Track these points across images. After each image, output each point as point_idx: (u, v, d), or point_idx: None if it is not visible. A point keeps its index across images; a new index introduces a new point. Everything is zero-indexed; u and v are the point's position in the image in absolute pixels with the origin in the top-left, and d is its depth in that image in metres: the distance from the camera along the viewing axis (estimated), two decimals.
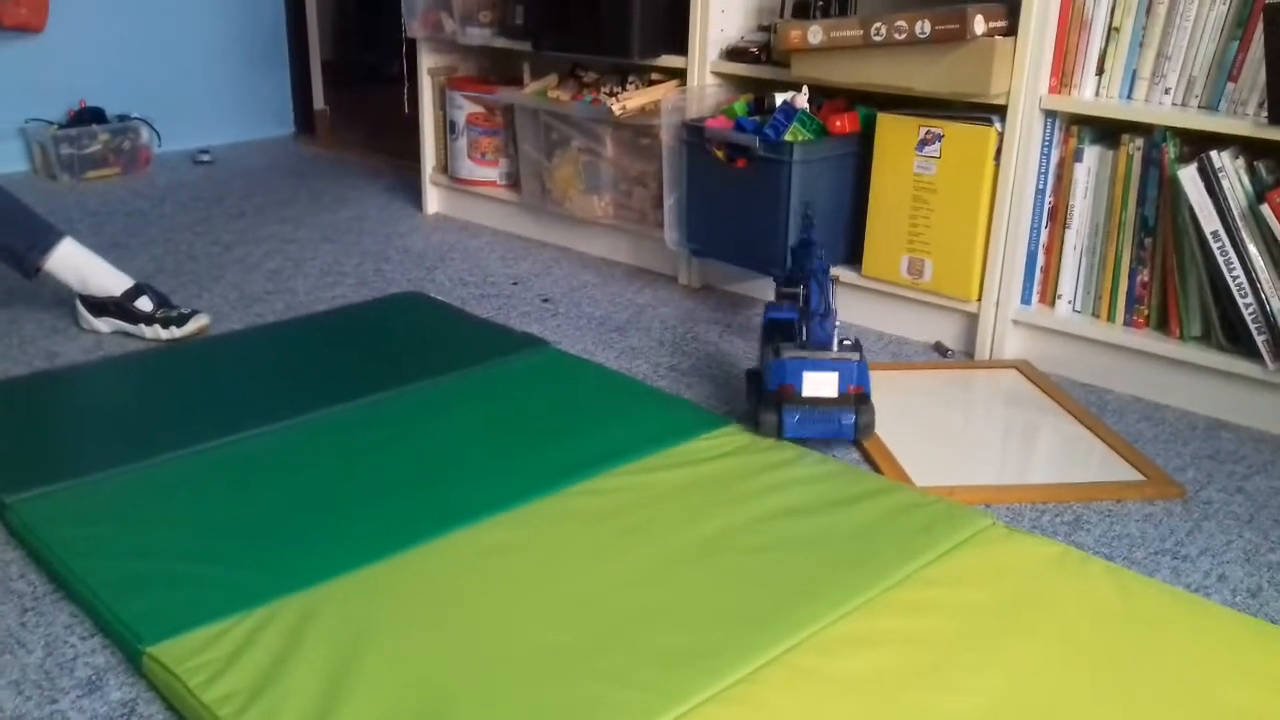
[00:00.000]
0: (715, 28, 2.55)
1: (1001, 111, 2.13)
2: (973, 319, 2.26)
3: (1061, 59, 2.08)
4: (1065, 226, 2.14)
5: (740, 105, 2.49)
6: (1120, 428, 1.96)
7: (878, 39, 2.18)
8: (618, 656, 1.26)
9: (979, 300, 2.24)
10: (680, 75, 2.62)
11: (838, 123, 2.34)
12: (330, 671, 1.23)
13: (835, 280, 1.91)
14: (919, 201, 2.26)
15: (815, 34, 2.26)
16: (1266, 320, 1.91)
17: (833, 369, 1.81)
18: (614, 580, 1.42)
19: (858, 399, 1.82)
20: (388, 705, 1.18)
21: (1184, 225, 1.97)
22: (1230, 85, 1.93)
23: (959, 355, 2.29)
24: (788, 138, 2.30)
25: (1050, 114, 2.11)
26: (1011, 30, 2.09)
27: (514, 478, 1.67)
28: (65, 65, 3.67)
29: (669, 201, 2.57)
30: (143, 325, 2.26)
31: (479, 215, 3.19)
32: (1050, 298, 2.20)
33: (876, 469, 1.78)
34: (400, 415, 1.89)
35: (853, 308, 2.43)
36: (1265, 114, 1.88)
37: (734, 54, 2.54)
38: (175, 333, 2.26)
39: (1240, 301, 1.92)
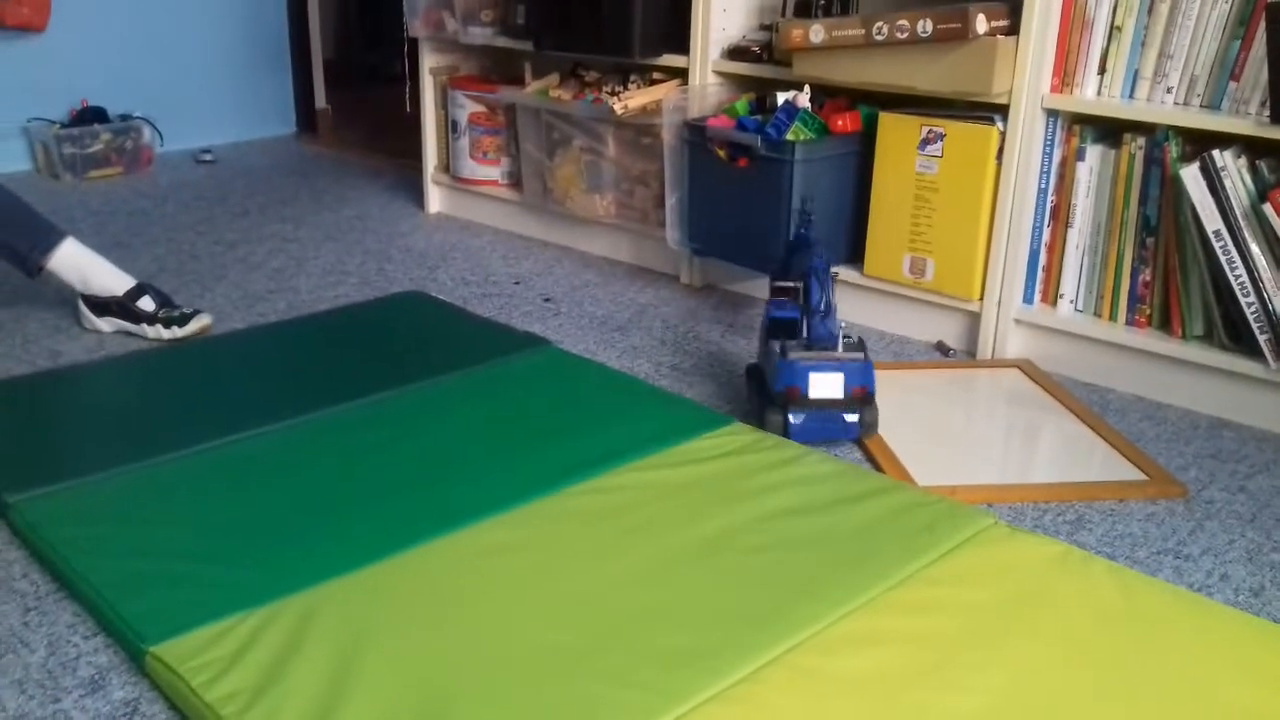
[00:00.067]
0: (717, 27, 2.55)
1: (1003, 111, 2.13)
2: (975, 318, 2.26)
3: (1063, 58, 2.08)
4: (1067, 226, 2.14)
5: (742, 104, 2.49)
6: (1122, 427, 1.96)
7: (879, 38, 2.18)
8: (619, 656, 1.26)
9: (981, 300, 2.24)
10: (682, 74, 2.62)
11: (839, 122, 2.34)
12: (332, 671, 1.23)
13: (834, 277, 1.91)
14: (921, 201, 2.26)
15: (817, 33, 2.26)
16: (1269, 319, 1.91)
17: (838, 370, 1.82)
18: (615, 580, 1.42)
19: (862, 399, 1.83)
20: (389, 704, 1.18)
21: (1186, 224, 1.97)
22: (1232, 84, 1.93)
23: (961, 355, 2.29)
24: (789, 137, 2.30)
25: (1052, 113, 2.11)
26: (1013, 29, 2.09)
27: (515, 477, 1.67)
28: (67, 65, 3.67)
29: (671, 201, 2.57)
30: (145, 325, 2.26)
31: (481, 214, 3.20)
32: (1052, 297, 2.20)
33: (878, 468, 1.78)
34: (402, 415, 1.89)
35: (854, 307, 2.43)
36: (1267, 113, 1.88)
37: (735, 53, 2.54)
38: (177, 332, 2.26)
39: (1242, 301, 1.92)
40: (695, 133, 2.45)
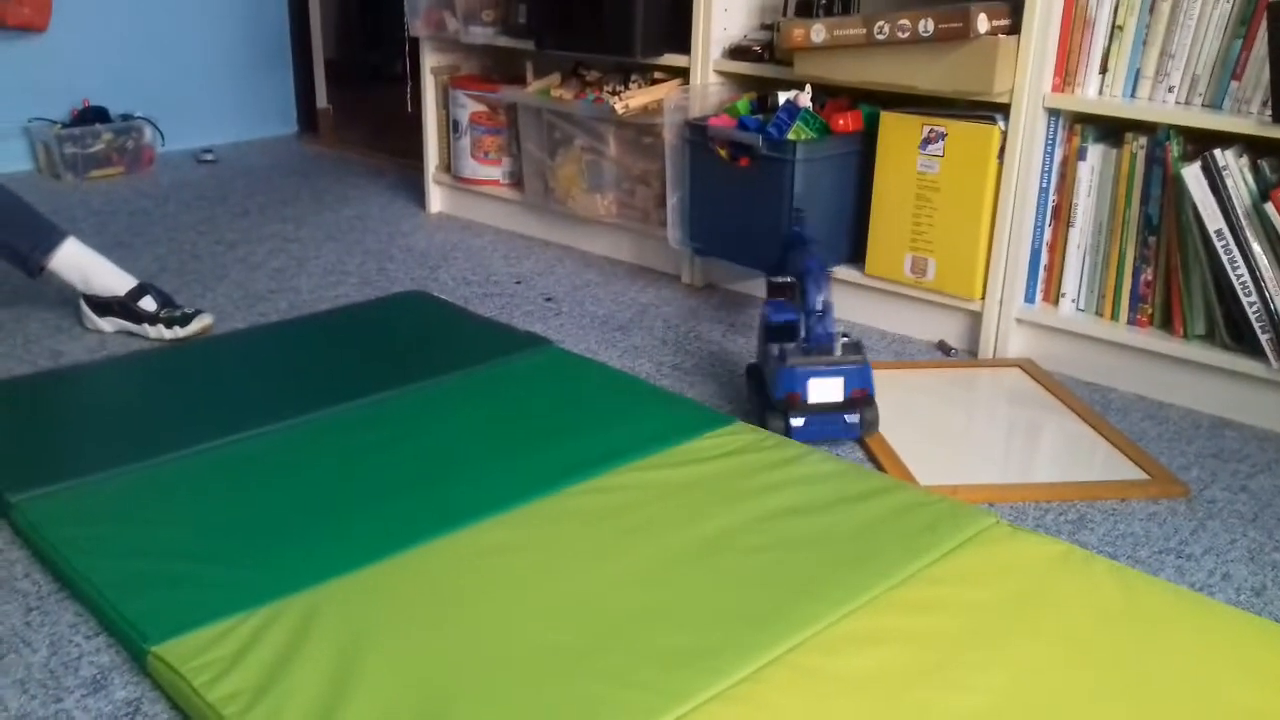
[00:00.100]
0: (718, 26, 2.55)
1: (1005, 110, 2.13)
2: (976, 318, 2.26)
3: (1065, 57, 2.08)
4: (1069, 225, 2.14)
5: (743, 104, 2.49)
6: (1124, 426, 1.96)
7: (881, 37, 2.18)
8: (620, 656, 1.26)
9: (982, 299, 2.24)
10: (683, 74, 2.62)
11: (841, 121, 2.34)
12: (333, 670, 1.23)
13: (830, 277, 1.92)
14: (922, 200, 2.26)
15: (818, 32, 2.26)
16: (1270, 319, 1.91)
17: (837, 374, 1.83)
18: (616, 580, 1.42)
19: (862, 400, 1.83)
20: (390, 704, 1.18)
21: (1188, 224, 1.97)
22: (1234, 84, 1.93)
23: (962, 354, 2.29)
24: (791, 136, 2.30)
25: (1054, 112, 2.11)
26: (1015, 29, 2.09)
27: (516, 477, 1.67)
28: (69, 65, 3.68)
29: (672, 200, 2.57)
30: (146, 325, 2.26)
31: (482, 214, 3.20)
32: (1054, 296, 2.20)
33: (880, 468, 1.78)
34: (403, 414, 1.89)
35: (856, 306, 2.43)
36: (1269, 112, 1.88)
37: (737, 53, 2.54)
38: (179, 332, 2.26)
39: (1244, 300, 1.92)
40: (696, 132, 2.45)
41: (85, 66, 3.71)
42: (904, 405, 2.00)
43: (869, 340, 2.34)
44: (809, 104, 2.36)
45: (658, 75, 2.70)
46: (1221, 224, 1.92)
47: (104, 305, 2.28)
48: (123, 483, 1.65)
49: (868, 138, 2.34)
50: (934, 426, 1.94)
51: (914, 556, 1.46)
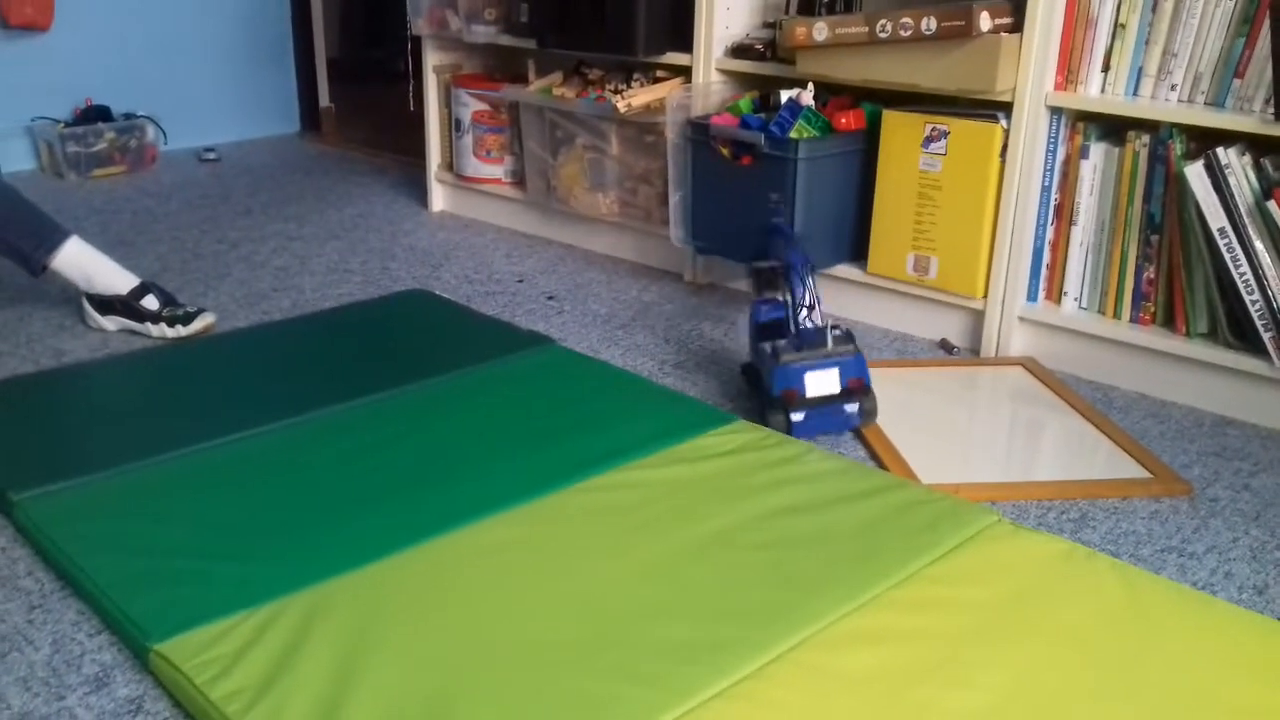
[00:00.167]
0: (720, 25, 2.55)
1: (1007, 108, 2.13)
2: (978, 316, 2.26)
3: (1067, 56, 2.08)
4: (1071, 223, 2.14)
5: (745, 102, 2.49)
6: (1126, 425, 1.96)
7: (883, 36, 2.17)
8: (624, 652, 1.26)
9: (985, 297, 2.24)
10: (685, 72, 2.62)
11: (843, 120, 2.34)
12: (337, 668, 1.23)
13: (814, 271, 1.95)
14: (924, 199, 2.25)
15: (820, 31, 2.26)
16: (1273, 317, 1.90)
17: (832, 366, 1.84)
18: (619, 577, 1.42)
19: (859, 390, 1.84)
20: (394, 701, 1.18)
21: (1190, 222, 1.97)
22: (1236, 82, 1.93)
23: (965, 352, 2.29)
24: (793, 135, 2.30)
25: (1056, 111, 2.11)
26: (1017, 27, 2.09)
27: (520, 475, 1.67)
28: (71, 64, 3.68)
29: (674, 199, 2.57)
30: (149, 323, 2.27)
31: (484, 213, 3.20)
32: (1056, 295, 2.19)
33: (882, 466, 1.78)
34: (406, 413, 1.89)
35: (858, 305, 2.43)
36: (1271, 110, 1.87)
37: (739, 51, 2.54)
38: (181, 331, 2.26)
39: (1247, 298, 1.92)
40: (699, 131, 2.45)
41: (88, 65, 3.72)
42: (906, 403, 2.00)
43: (871, 339, 2.34)
44: (811, 102, 2.36)
45: (660, 74, 2.70)
46: (1224, 222, 1.91)
47: (107, 304, 2.29)
48: (125, 481, 1.65)
49: (870, 136, 2.34)
50: (936, 425, 1.94)
51: (916, 555, 1.46)
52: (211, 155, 3.88)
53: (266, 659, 1.24)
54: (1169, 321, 2.07)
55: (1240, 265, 1.91)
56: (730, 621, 1.32)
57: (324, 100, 4.39)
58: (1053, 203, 2.15)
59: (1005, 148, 2.15)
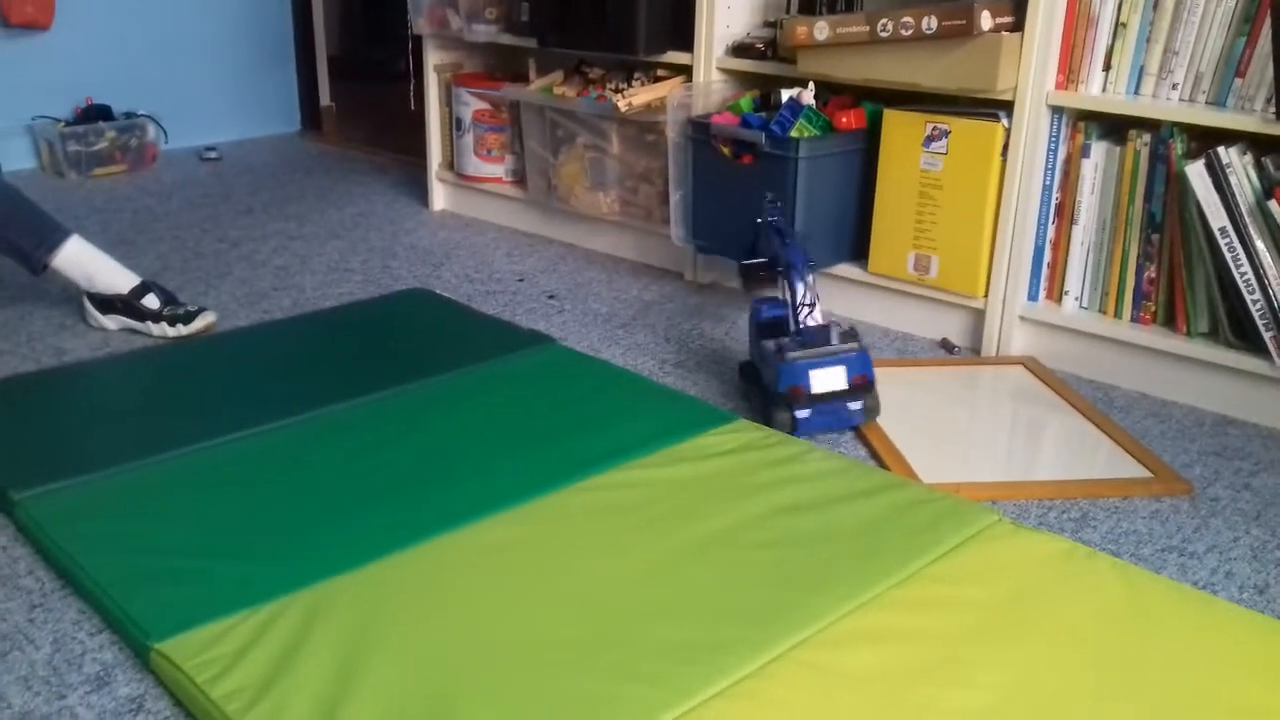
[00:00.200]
0: (721, 24, 2.55)
1: (1008, 107, 2.13)
2: (979, 315, 2.26)
3: (1068, 54, 2.08)
4: (1072, 223, 2.14)
5: (746, 101, 2.49)
6: (1127, 424, 1.96)
7: (884, 35, 2.17)
8: (625, 651, 1.26)
9: (985, 297, 2.24)
10: (686, 71, 2.62)
11: (844, 119, 2.34)
12: (338, 667, 1.23)
13: (814, 268, 1.97)
14: (925, 198, 2.25)
15: (821, 30, 2.26)
16: (1274, 316, 1.90)
17: (838, 363, 1.84)
18: (621, 576, 1.42)
19: (863, 387, 1.85)
20: (395, 700, 1.18)
21: (1191, 221, 1.97)
22: (1238, 81, 1.93)
23: (965, 352, 2.29)
24: (794, 134, 2.30)
25: (1057, 110, 2.11)
26: (1018, 26, 2.09)
27: (520, 474, 1.67)
28: (72, 63, 3.68)
29: (675, 198, 2.57)
30: (150, 322, 2.27)
31: (485, 212, 3.20)
32: (1057, 294, 2.19)
33: (883, 465, 1.78)
34: (407, 412, 1.89)
35: (859, 304, 2.43)
36: (1273, 109, 1.87)
37: (740, 50, 2.54)
38: (182, 330, 2.26)
39: (1248, 298, 1.92)
40: (699, 130, 2.45)
41: (88, 64, 3.72)
42: (907, 403, 2.00)
43: (872, 338, 2.33)
44: (812, 101, 2.36)
45: (660, 73, 2.70)
46: (1225, 222, 1.91)
47: (107, 303, 2.29)
48: (126, 480, 1.65)
49: (871, 135, 2.34)
50: (937, 424, 1.94)
51: (917, 554, 1.46)
52: (212, 154, 3.88)
53: (267, 658, 1.24)
54: (1170, 321, 2.07)
55: (1241, 264, 1.91)
56: (731, 621, 1.32)
57: (325, 99, 4.39)
58: (1054, 202, 2.15)
59: (1006, 147, 2.15)
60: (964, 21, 2.06)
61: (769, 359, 1.88)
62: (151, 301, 2.27)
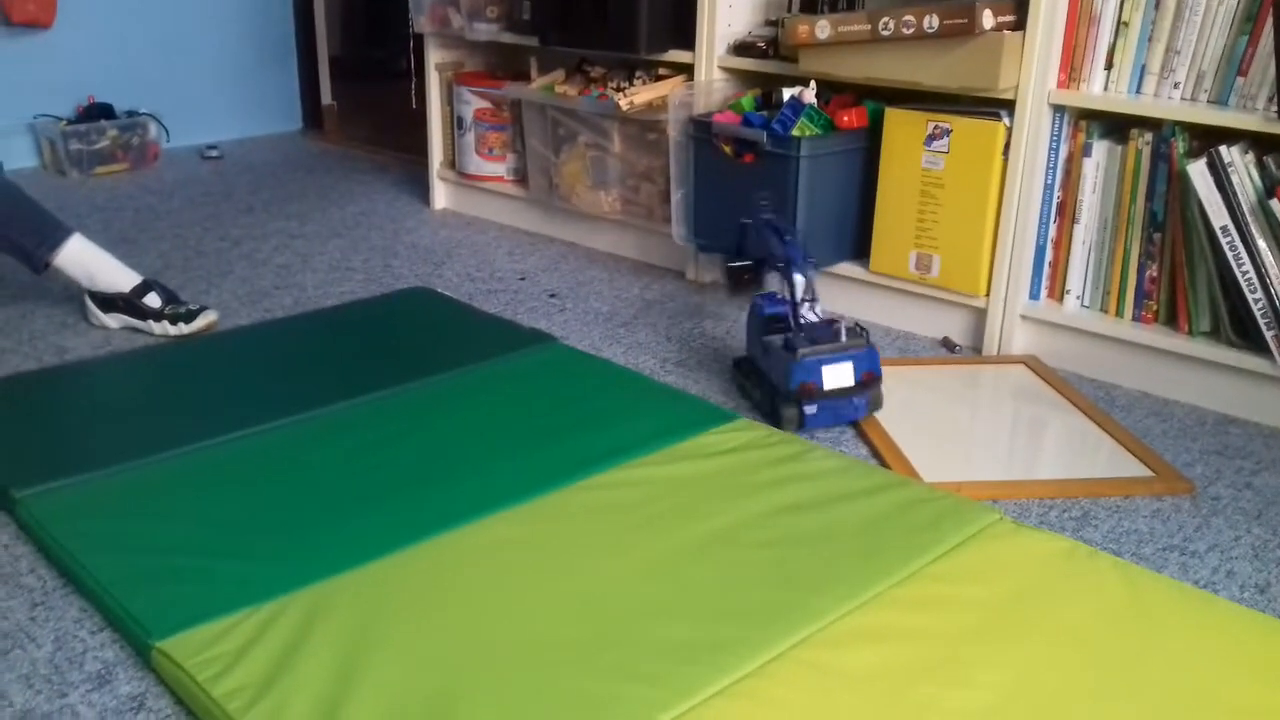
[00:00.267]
0: (722, 22, 2.55)
1: (1010, 106, 2.13)
2: (981, 314, 2.26)
3: (1070, 53, 2.07)
4: (1074, 221, 2.13)
5: (748, 100, 2.49)
6: (1129, 423, 1.96)
7: (885, 33, 2.17)
8: (626, 650, 1.26)
9: (987, 295, 2.24)
10: (687, 70, 2.62)
11: (845, 118, 2.34)
12: (339, 665, 1.23)
13: (814, 265, 1.99)
14: (927, 196, 2.25)
15: (823, 29, 2.26)
16: (1276, 316, 1.90)
17: (847, 360, 1.86)
18: (622, 575, 1.42)
19: (871, 383, 1.88)
20: (396, 699, 1.18)
21: (1193, 220, 1.97)
22: (1240, 80, 1.93)
23: (967, 350, 2.29)
24: (795, 133, 2.29)
25: (1059, 109, 2.11)
26: (1020, 24, 2.09)
27: (522, 473, 1.67)
28: (74, 61, 3.68)
29: (676, 197, 2.57)
30: (151, 321, 2.27)
31: (486, 210, 3.20)
32: (1058, 293, 2.19)
33: (884, 464, 1.78)
34: (408, 410, 1.89)
35: (860, 303, 2.43)
36: (1274, 109, 1.87)
37: (741, 49, 2.54)
38: (183, 328, 2.27)
39: (1249, 297, 1.91)
40: (701, 128, 2.45)
41: (90, 63, 3.72)
42: (908, 402, 2.00)
43: (873, 337, 2.32)
44: (813, 100, 2.36)
45: (662, 71, 2.70)
46: (1227, 220, 1.91)
47: (109, 301, 2.29)
48: (127, 478, 1.65)
49: (872, 134, 2.33)
50: (938, 423, 1.94)
51: (918, 553, 1.46)
52: (214, 153, 3.88)
53: (268, 657, 1.24)
54: (1171, 320, 2.07)
55: (1243, 263, 1.91)
56: (732, 620, 1.32)
57: (326, 98, 4.39)
58: (1055, 201, 2.15)
59: (1008, 146, 2.15)
60: (966, 20, 2.06)
61: (775, 355, 1.88)
62: (153, 300, 2.27)
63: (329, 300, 2.50)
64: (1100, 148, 2.08)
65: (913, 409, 1.97)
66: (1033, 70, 2.08)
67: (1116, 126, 2.09)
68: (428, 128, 3.25)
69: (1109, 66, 2.06)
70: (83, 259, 2.27)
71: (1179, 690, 1.23)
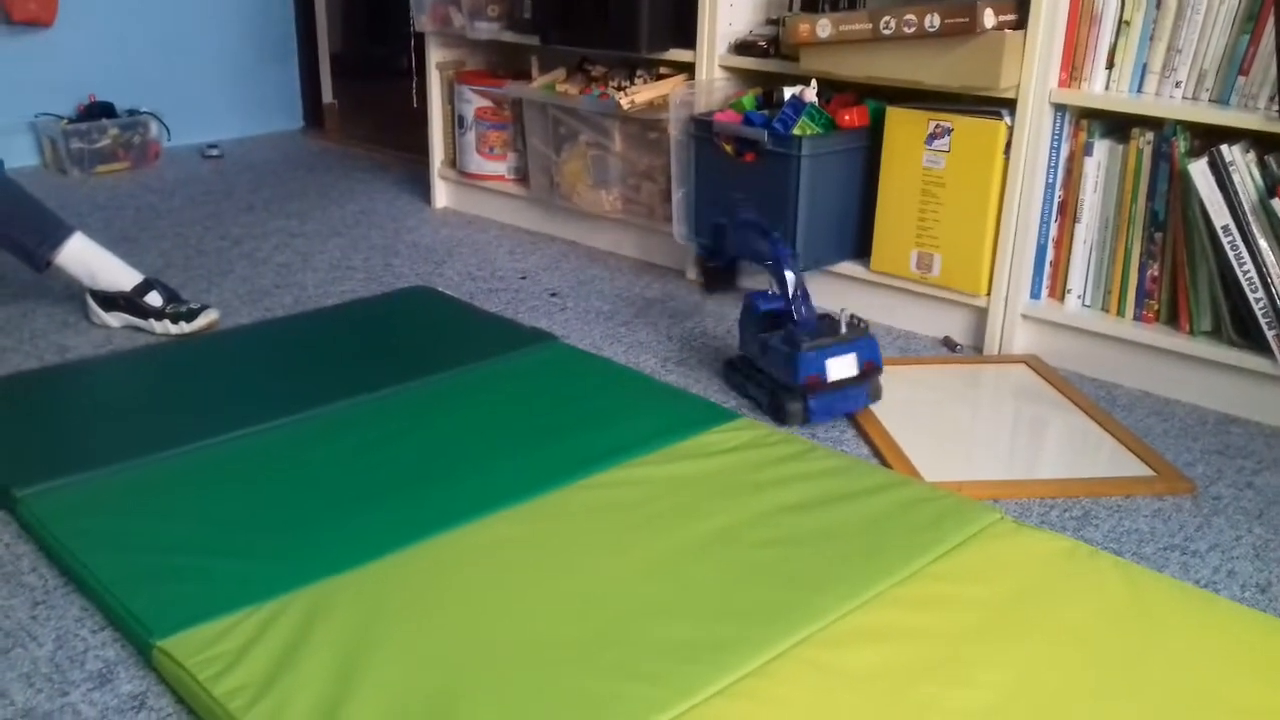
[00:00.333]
0: (724, 21, 2.55)
1: (1011, 105, 2.12)
2: (982, 313, 2.26)
3: (1071, 52, 2.07)
4: (1075, 221, 2.13)
5: (749, 99, 2.49)
6: (1130, 423, 1.95)
7: (887, 32, 2.17)
8: (627, 650, 1.26)
9: (988, 295, 2.23)
10: (688, 69, 2.62)
11: (846, 116, 2.34)
12: (340, 664, 1.23)
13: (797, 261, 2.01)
14: (928, 196, 2.25)
15: (824, 27, 2.26)
16: (1277, 315, 1.90)
17: (850, 350, 1.88)
18: (623, 574, 1.42)
19: (873, 373, 1.90)
20: (397, 698, 1.18)
21: (1194, 219, 1.97)
22: (1241, 79, 1.93)
23: (968, 350, 2.29)
24: (796, 132, 2.29)
25: (1060, 108, 2.11)
26: (1021, 23, 2.09)
27: (523, 472, 1.67)
28: (75, 60, 3.68)
29: (677, 196, 2.57)
30: (152, 320, 2.27)
31: (487, 209, 3.20)
32: (1060, 292, 2.19)
33: (885, 463, 1.78)
34: (409, 409, 1.89)
35: (861, 302, 2.42)
36: (1276, 108, 1.87)
37: (742, 48, 2.54)
38: (184, 327, 2.27)
39: (1251, 296, 1.91)
40: (702, 127, 2.44)
41: (91, 62, 3.72)
42: (909, 401, 2.00)
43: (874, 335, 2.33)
44: (814, 99, 2.36)
45: (663, 70, 2.70)
46: (1228, 220, 1.91)
47: (110, 300, 2.29)
48: (129, 477, 1.65)
49: (873, 133, 2.33)
50: (939, 422, 1.94)
51: (919, 552, 1.46)
52: (214, 152, 3.88)
53: (269, 656, 1.24)
54: (1173, 319, 2.07)
55: (1244, 263, 1.91)
56: (733, 619, 1.32)
57: (327, 96, 4.39)
58: (1056, 200, 2.15)
59: (1009, 145, 2.15)
60: (967, 19, 2.06)
61: (777, 351, 1.89)
62: (154, 299, 2.27)
63: (329, 299, 2.50)
64: (1101, 147, 2.08)
65: (914, 408, 1.97)
66: (1034, 69, 2.08)
67: (1118, 126, 2.09)
68: (429, 126, 3.25)
69: (1110, 65, 2.06)
70: (84, 257, 2.27)
71: (1180, 690, 1.23)
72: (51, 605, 1.40)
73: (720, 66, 2.57)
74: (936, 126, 2.21)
